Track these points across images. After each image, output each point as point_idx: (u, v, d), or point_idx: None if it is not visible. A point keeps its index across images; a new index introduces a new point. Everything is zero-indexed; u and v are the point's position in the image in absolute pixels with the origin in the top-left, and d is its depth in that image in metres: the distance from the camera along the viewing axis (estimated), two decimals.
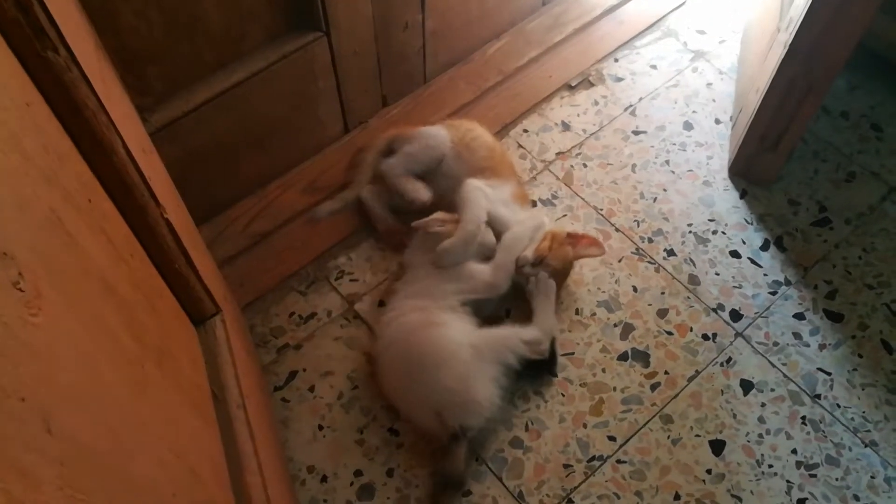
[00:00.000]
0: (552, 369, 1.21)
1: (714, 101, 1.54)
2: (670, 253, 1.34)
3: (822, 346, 1.24)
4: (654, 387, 1.21)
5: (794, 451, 1.15)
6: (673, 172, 1.44)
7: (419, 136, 1.33)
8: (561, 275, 1.25)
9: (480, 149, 1.32)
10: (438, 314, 1.15)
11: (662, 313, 1.28)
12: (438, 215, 1.24)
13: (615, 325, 1.27)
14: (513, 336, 1.15)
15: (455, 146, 1.32)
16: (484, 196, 1.24)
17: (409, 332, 1.13)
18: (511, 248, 1.22)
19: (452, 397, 1.08)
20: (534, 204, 1.40)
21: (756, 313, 1.28)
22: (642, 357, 1.23)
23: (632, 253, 1.34)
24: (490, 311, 1.24)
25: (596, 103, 1.54)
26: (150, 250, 0.81)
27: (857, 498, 1.11)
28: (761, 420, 1.18)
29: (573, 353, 1.24)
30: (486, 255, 1.24)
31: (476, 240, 1.21)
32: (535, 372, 1.19)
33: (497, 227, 1.26)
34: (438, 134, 1.33)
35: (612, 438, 1.16)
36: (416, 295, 1.19)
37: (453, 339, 1.12)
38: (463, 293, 1.19)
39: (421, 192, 1.29)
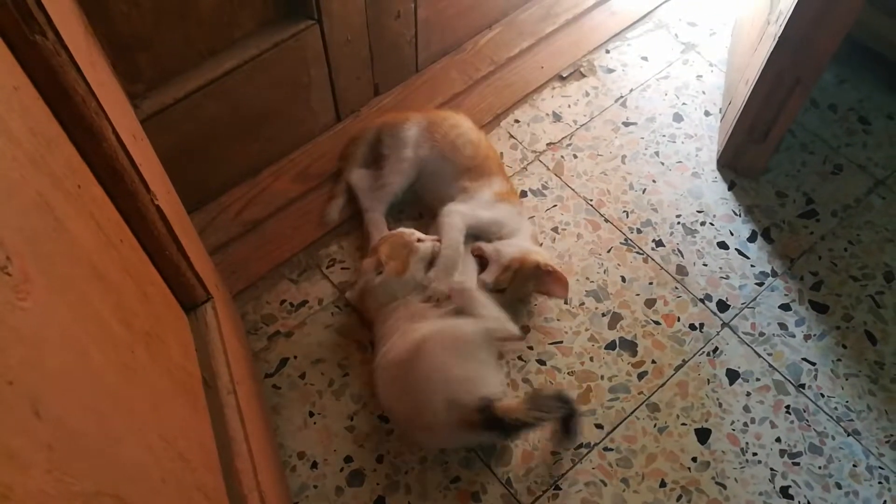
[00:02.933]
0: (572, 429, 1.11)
1: (704, 92, 1.55)
2: (658, 244, 1.35)
3: (807, 337, 1.26)
4: (641, 376, 1.22)
5: (779, 440, 1.16)
6: (662, 164, 1.45)
7: (392, 149, 1.33)
8: (511, 302, 1.23)
9: (465, 146, 1.31)
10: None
11: (650, 303, 1.29)
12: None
13: (603, 315, 1.28)
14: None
15: (438, 144, 1.31)
16: (461, 217, 1.23)
17: (402, 347, 1.10)
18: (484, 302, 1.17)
19: (453, 378, 1.04)
20: (524, 194, 1.40)
21: (743, 304, 1.29)
22: (630, 346, 1.25)
23: (620, 243, 1.35)
24: None
25: (587, 94, 1.55)
26: (140, 237, 0.81)
27: (839, 486, 1.13)
28: (746, 409, 1.19)
29: (561, 342, 1.25)
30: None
31: (459, 262, 1.20)
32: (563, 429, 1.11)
33: (488, 233, 1.26)
34: (409, 140, 1.33)
35: (599, 426, 1.17)
36: (396, 330, 1.16)
37: (426, 331, 1.09)
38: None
39: (377, 232, 1.30)
